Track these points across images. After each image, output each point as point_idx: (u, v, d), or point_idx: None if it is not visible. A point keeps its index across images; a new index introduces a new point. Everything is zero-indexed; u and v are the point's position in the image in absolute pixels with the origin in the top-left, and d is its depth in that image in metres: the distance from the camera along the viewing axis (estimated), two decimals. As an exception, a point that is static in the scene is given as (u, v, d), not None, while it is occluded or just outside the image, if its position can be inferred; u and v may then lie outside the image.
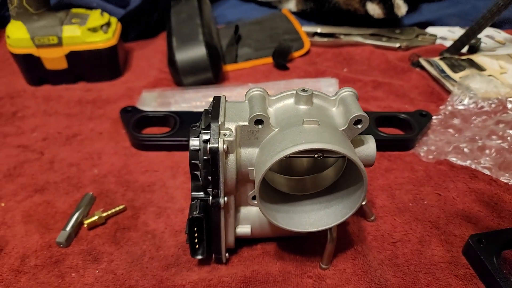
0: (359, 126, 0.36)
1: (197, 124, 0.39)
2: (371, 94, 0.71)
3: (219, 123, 0.36)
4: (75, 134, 0.62)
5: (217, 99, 0.39)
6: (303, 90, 0.38)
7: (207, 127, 0.36)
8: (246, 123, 0.36)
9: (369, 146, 0.38)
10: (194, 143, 0.37)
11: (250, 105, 0.38)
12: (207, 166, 0.36)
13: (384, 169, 0.56)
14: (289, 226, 0.37)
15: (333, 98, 0.39)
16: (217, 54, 0.72)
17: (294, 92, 0.38)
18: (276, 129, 0.36)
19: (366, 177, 0.34)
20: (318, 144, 0.33)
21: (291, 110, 0.38)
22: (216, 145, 0.35)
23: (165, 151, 0.58)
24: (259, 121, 0.36)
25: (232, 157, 0.36)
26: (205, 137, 0.36)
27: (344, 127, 0.36)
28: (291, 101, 0.39)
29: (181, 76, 0.69)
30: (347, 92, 0.39)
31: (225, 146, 0.35)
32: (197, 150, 0.37)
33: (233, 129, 0.36)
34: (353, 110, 0.36)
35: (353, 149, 0.36)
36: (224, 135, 0.35)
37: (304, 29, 0.89)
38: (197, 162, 0.37)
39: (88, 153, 0.58)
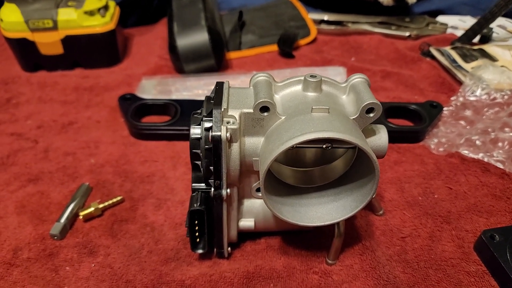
0: (371, 115, 0.34)
1: (199, 111, 0.37)
2: (380, 84, 0.69)
3: (222, 110, 0.33)
4: (71, 122, 0.60)
5: (220, 85, 0.37)
6: (311, 76, 0.36)
7: (209, 114, 0.34)
8: (251, 110, 0.33)
9: (381, 137, 0.36)
10: (195, 131, 0.35)
11: (255, 91, 0.35)
12: (209, 155, 0.34)
13: (393, 162, 0.54)
14: (295, 220, 0.35)
15: (344, 85, 0.37)
16: (220, 41, 0.69)
17: (302, 78, 0.36)
18: (283, 117, 0.34)
19: (378, 168, 0.32)
20: (329, 133, 0.30)
21: (299, 97, 0.36)
22: (219, 133, 0.32)
23: (165, 140, 0.56)
24: (264, 108, 0.33)
25: (235, 146, 0.34)
26: (207, 124, 0.33)
27: (356, 116, 0.34)
28: (299, 87, 0.37)
29: (182, 63, 0.66)
30: (358, 78, 0.36)
31: (228, 134, 0.33)
32: (198, 139, 0.35)
33: (237, 117, 0.34)
34: (365, 97, 0.34)
35: (365, 139, 0.33)
36: (228, 122, 0.33)
37: (311, 16, 0.86)
38: (198, 151, 0.35)
39: (85, 142, 0.56)
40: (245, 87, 0.38)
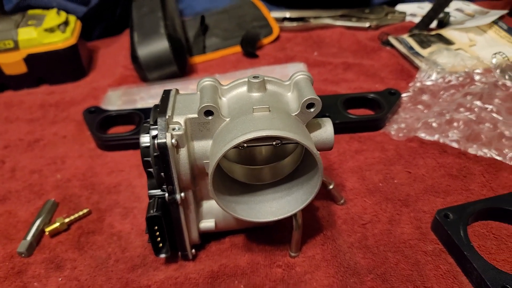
0: (312, 110, 0.35)
1: (148, 120, 0.38)
2: (342, 76, 0.70)
3: (167, 117, 0.34)
4: (37, 139, 0.60)
5: (166, 93, 0.38)
6: (254, 77, 0.37)
7: (156, 122, 0.35)
8: (196, 115, 0.35)
9: (327, 130, 0.38)
10: (144, 139, 0.36)
11: (201, 96, 0.36)
12: (159, 162, 0.35)
13: (355, 151, 0.55)
14: (249, 217, 0.36)
15: (287, 83, 0.38)
16: (181, 47, 0.70)
17: (247, 79, 0.37)
18: (227, 119, 0.35)
19: (320, 161, 0.33)
20: (267, 131, 0.32)
21: (244, 98, 0.37)
22: (164, 140, 0.33)
23: (130, 149, 0.57)
24: (208, 112, 0.34)
25: (183, 152, 0.35)
26: (154, 132, 0.34)
27: (297, 112, 0.35)
28: (244, 89, 0.38)
29: (145, 71, 0.67)
30: (300, 76, 0.38)
31: (173, 140, 0.34)
32: (148, 147, 0.36)
33: (182, 123, 0.35)
34: (305, 93, 0.35)
35: (306, 134, 0.35)
36: (173, 129, 0.34)
37: (273, 14, 0.87)
38: (149, 159, 0.36)
39: (51, 158, 0.56)
40: (194, 93, 0.39)
